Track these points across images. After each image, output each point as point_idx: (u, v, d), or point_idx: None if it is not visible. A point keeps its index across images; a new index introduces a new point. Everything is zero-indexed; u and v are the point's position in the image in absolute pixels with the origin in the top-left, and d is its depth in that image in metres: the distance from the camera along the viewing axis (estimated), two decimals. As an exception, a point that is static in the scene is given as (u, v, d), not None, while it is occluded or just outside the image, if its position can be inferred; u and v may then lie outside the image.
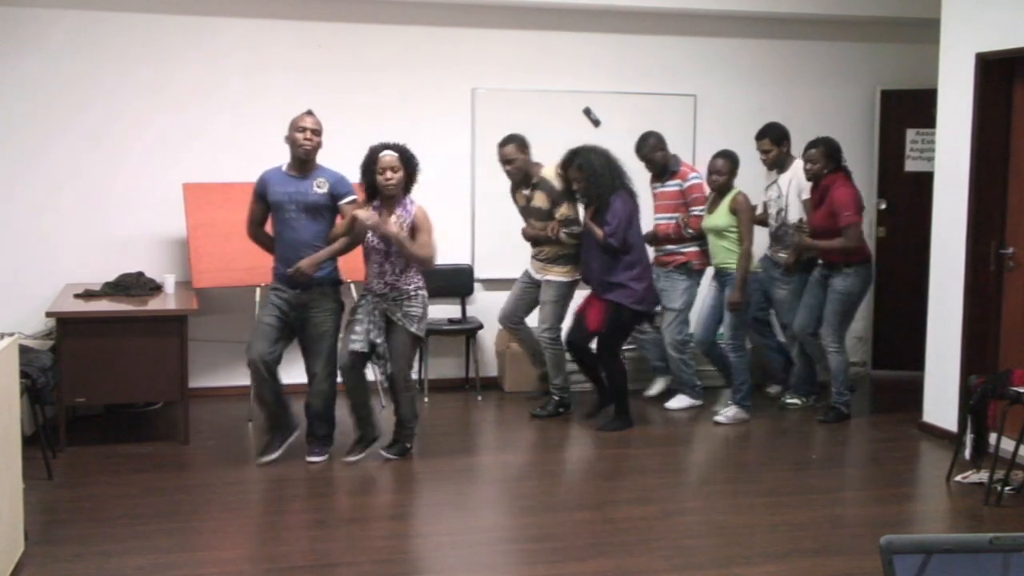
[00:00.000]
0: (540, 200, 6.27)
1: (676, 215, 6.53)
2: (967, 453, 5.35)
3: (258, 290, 6.19)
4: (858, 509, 5.03)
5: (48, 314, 5.74)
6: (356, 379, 5.31)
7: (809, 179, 6.33)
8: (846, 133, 7.82)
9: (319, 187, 5.25)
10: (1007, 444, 5.13)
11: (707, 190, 6.47)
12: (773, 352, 7.07)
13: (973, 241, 5.93)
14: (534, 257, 6.41)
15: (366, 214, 5.15)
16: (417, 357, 7.05)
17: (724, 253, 6.33)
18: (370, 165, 5.24)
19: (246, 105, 6.79)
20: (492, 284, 7.16)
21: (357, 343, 5.22)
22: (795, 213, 6.50)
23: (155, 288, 6.30)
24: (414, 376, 7.07)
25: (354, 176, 5.41)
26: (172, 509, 4.76)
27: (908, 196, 7.69)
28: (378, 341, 5.24)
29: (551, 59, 7.29)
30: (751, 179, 6.68)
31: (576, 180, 6.06)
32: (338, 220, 5.32)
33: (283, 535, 4.62)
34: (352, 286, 6.15)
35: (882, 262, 7.89)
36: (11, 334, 4.09)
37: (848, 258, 6.25)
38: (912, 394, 6.58)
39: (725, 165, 6.33)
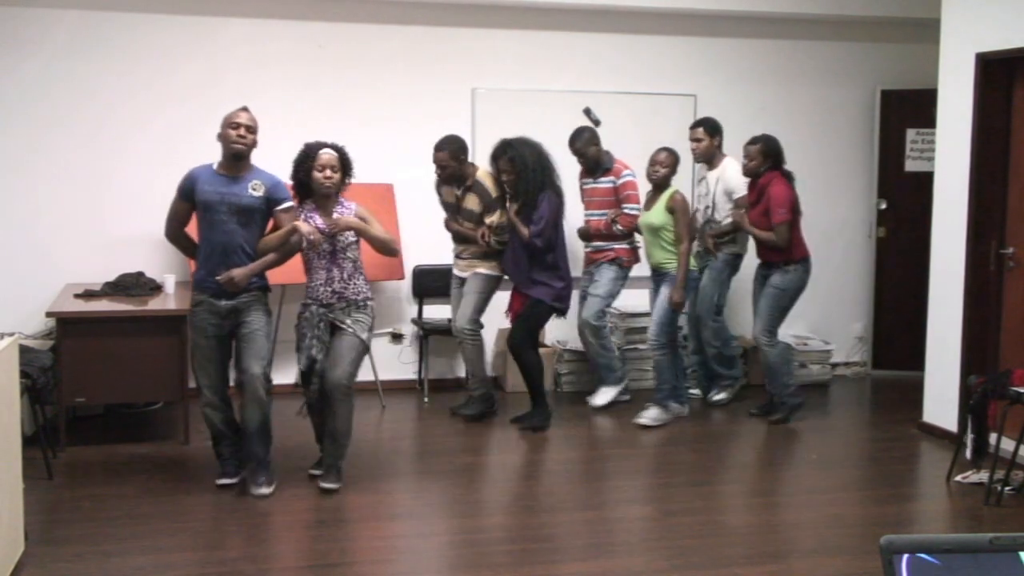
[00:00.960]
0: (472, 203, 6.17)
1: (607, 211, 6.45)
2: (967, 453, 5.36)
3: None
4: (858, 509, 5.03)
5: (48, 314, 5.74)
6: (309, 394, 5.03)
7: (745, 175, 6.31)
8: (846, 133, 7.86)
9: (254, 190, 4.83)
10: (1007, 444, 5.13)
11: (639, 188, 6.42)
12: (701, 366, 6.93)
13: (973, 241, 5.93)
14: (458, 256, 6.34)
15: (308, 228, 4.81)
16: (417, 358, 7.08)
17: (660, 253, 6.25)
18: (305, 162, 4.92)
19: (246, 104, 6.78)
20: (492, 284, 7.16)
21: (303, 361, 4.91)
22: (722, 212, 6.48)
23: (155, 288, 6.30)
24: (412, 376, 7.09)
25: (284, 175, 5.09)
26: (172, 509, 4.76)
27: (908, 196, 7.69)
28: (319, 358, 4.90)
29: (551, 59, 7.29)
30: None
31: (506, 172, 5.96)
32: (269, 226, 4.93)
33: (283, 535, 4.62)
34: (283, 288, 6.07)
35: (882, 262, 7.92)
36: (11, 334, 4.09)
37: (787, 257, 6.23)
38: (912, 394, 6.58)
39: (668, 158, 6.24)
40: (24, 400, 4.85)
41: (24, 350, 4.99)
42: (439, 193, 6.39)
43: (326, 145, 4.96)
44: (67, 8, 6.53)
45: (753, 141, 6.28)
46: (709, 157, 6.55)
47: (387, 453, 5.86)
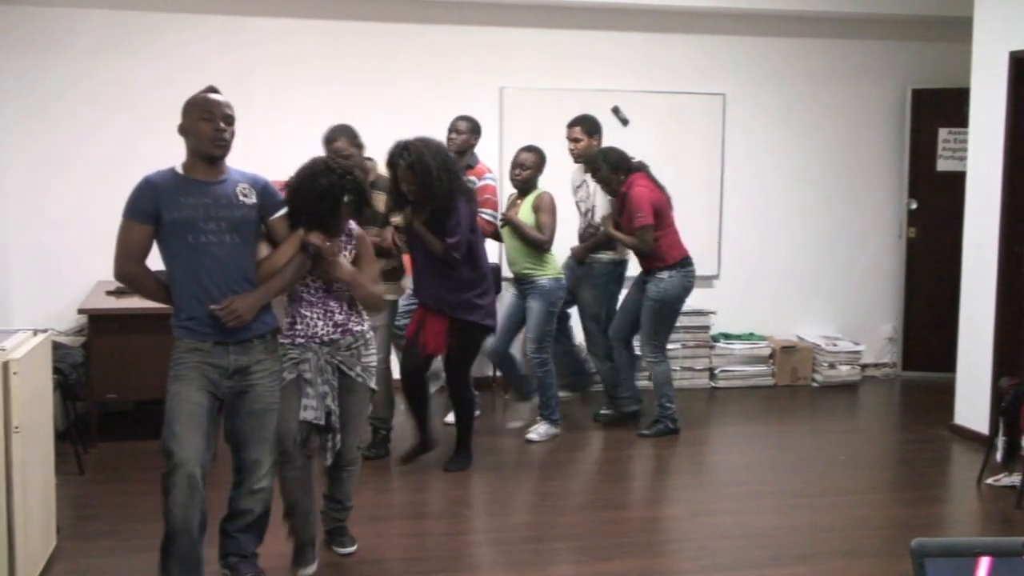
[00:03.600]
0: (378, 202, 5.16)
1: None
2: (999, 456, 5.30)
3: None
4: (887, 511, 4.99)
5: (80, 311, 5.81)
6: (303, 461, 3.99)
7: (612, 195, 6.05)
8: (877, 132, 7.80)
9: (245, 196, 3.60)
10: (1039, 447, 5.08)
11: (499, 194, 6.11)
12: (566, 356, 6.62)
13: (1005, 242, 5.87)
14: None
15: (320, 239, 3.75)
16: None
17: (524, 259, 5.86)
18: (329, 196, 3.76)
19: (275, 104, 6.83)
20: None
21: (311, 410, 3.87)
22: (602, 213, 6.21)
23: (185, 286, 6.34)
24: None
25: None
26: (201, 505, 4.78)
27: (940, 196, 7.63)
28: (334, 407, 3.93)
29: (579, 58, 7.28)
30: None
31: (407, 182, 4.90)
32: (262, 245, 3.71)
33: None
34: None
35: (912, 263, 7.85)
36: (44, 330, 4.13)
37: (662, 262, 5.95)
38: (943, 396, 6.53)
39: (531, 159, 5.87)
40: (56, 396, 4.90)
41: (56, 346, 5.05)
42: None
43: (346, 181, 3.82)
44: (94, 8, 6.59)
45: (595, 168, 5.99)
46: (589, 156, 6.20)
47: (414, 451, 5.87)
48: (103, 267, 6.49)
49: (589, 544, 4.46)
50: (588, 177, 6.26)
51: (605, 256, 6.24)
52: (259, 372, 3.65)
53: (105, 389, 5.69)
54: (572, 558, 4.31)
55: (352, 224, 3.99)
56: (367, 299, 3.99)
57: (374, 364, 4.06)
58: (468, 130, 6.07)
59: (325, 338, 3.91)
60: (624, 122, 7.22)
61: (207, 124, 3.54)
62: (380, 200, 5.20)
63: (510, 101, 7.16)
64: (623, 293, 6.36)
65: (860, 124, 7.76)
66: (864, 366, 7.69)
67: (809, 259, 7.80)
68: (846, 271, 7.85)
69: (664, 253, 5.96)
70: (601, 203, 6.23)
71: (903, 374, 7.89)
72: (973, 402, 6.06)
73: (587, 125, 6.22)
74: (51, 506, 4.11)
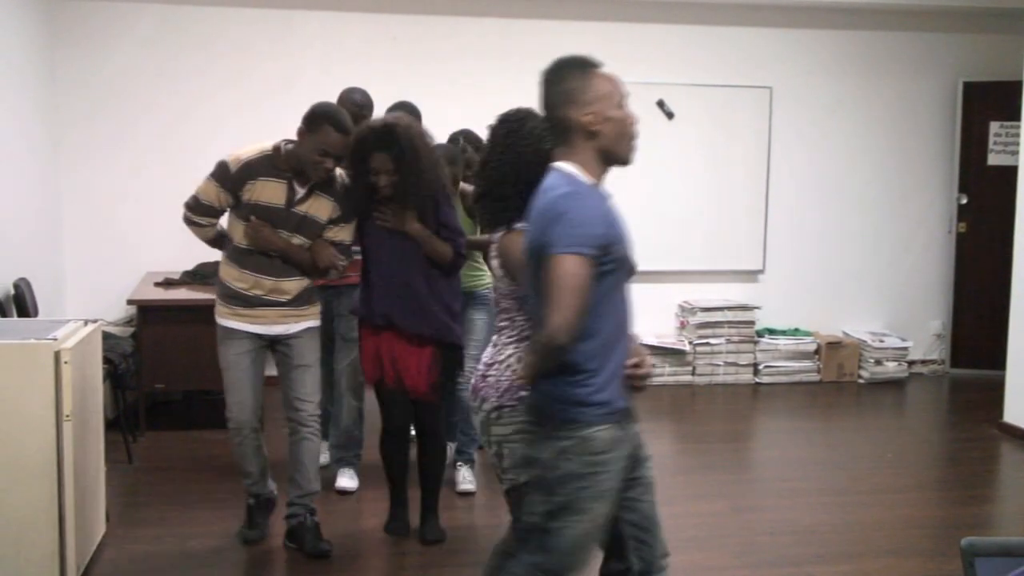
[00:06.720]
0: (320, 209, 3.97)
1: None
2: (1050, 455, 5.22)
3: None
4: (934, 510, 4.93)
5: (129, 301, 5.89)
6: None
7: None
8: (926, 126, 7.69)
9: None
10: (1092, 447, 4.99)
11: None
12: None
13: (1059, 237, 5.77)
14: (268, 300, 4.00)
15: None
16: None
17: (466, 271, 4.51)
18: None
19: (323, 97, 6.85)
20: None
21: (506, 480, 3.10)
22: None
23: (232, 277, 6.42)
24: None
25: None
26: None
27: (990, 191, 7.51)
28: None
29: (624, 50, 7.23)
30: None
31: (383, 172, 3.85)
32: None
33: (358, 522, 4.67)
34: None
35: (962, 258, 7.74)
36: (95, 320, 4.19)
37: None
38: (992, 393, 6.44)
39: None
40: (106, 385, 4.98)
41: (106, 336, 5.12)
42: (234, 194, 3.94)
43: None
44: (149, 1, 6.68)
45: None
46: None
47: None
48: (152, 259, 6.65)
49: (632, 538, 4.44)
50: None
51: None
52: None
53: (154, 379, 5.77)
54: (614, 552, 4.29)
55: None
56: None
57: None
58: (365, 106, 5.05)
59: None
60: (670, 116, 7.18)
61: (628, 115, 2.62)
62: (324, 208, 3.98)
63: (555, 94, 7.14)
64: None
65: (909, 117, 7.66)
66: (911, 363, 7.60)
67: (856, 254, 7.71)
68: (894, 266, 7.76)
69: None
70: None
71: (951, 371, 7.78)
72: (1024, 400, 5.98)
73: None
74: (100, 493, 4.17)
